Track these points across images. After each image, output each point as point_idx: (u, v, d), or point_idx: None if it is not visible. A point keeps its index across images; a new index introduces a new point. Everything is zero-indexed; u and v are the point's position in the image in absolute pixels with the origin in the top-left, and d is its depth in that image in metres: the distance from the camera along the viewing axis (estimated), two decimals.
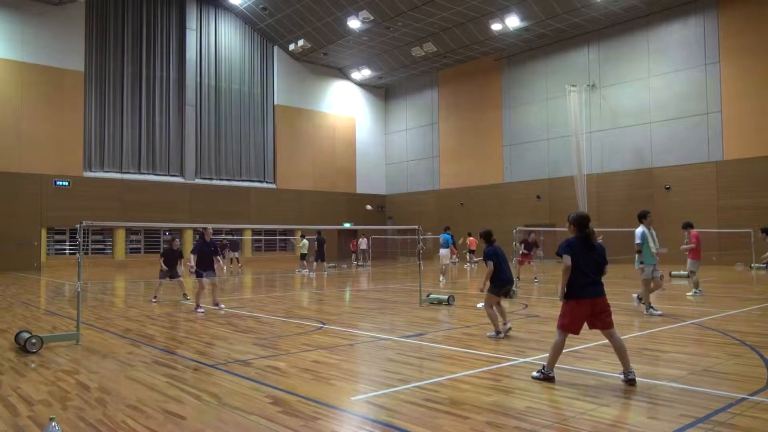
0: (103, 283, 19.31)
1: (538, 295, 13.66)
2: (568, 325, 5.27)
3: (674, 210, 25.54)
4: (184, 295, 13.41)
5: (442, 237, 18.66)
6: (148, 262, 30.32)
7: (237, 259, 26.54)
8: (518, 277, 15.62)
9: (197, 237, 25.52)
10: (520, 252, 16.99)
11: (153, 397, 5.08)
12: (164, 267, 13.46)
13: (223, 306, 11.72)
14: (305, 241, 25.45)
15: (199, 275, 11.47)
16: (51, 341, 7.72)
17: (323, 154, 37.69)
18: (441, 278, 18.05)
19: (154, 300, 13.15)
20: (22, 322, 10.11)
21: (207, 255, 11.65)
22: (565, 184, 29.18)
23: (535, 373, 5.47)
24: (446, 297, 11.87)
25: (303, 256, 24.96)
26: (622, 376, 5.23)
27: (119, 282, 19.92)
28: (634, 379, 5.13)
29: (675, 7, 26.16)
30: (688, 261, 13.28)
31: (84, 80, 29.08)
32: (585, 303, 5.20)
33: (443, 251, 18.51)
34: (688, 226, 13.40)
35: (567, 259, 5.20)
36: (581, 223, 5.34)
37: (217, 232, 31.30)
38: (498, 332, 7.78)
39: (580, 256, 5.23)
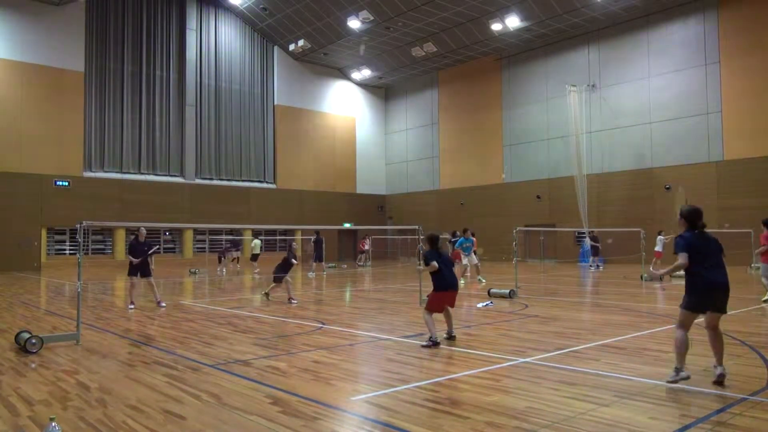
0: (103, 283, 19.31)
1: (537, 295, 13.66)
2: (434, 308, 7.53)
3: (674, 210, 25.56)
4: (290, 298, 13.00)
5: (463, 241, 17.74)
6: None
7: (237, 258, 26.51)
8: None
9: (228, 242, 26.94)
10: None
11: (153, 397, 5.08)
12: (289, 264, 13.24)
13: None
14: (257, 241, 25.17)
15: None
16: (51, 341, 7.72)
17: (323, 154, 37.66)
18: (463, 281, 17.30)
19: (294, 301, 12.83)
20: (22, 322, 10.11)
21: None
22: (565, 184, 29.16)
23: (423, 343, 7.29)
24: None
25: (255, 257, 24.49)
26: (445, 334, 7.65)
27: (119, 282, 19.90)
28: (455, 337, 7.62)
29: (675, 7, 26.14)
30: None
31: (84, 80, 29.04)
32: (448, 294, 7.53)
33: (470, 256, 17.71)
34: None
35: (434, 264, 7.40)
36: (432, 240, 7.74)
37: (216, 232, 31.36)
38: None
39: (439, 261, 7.44)
